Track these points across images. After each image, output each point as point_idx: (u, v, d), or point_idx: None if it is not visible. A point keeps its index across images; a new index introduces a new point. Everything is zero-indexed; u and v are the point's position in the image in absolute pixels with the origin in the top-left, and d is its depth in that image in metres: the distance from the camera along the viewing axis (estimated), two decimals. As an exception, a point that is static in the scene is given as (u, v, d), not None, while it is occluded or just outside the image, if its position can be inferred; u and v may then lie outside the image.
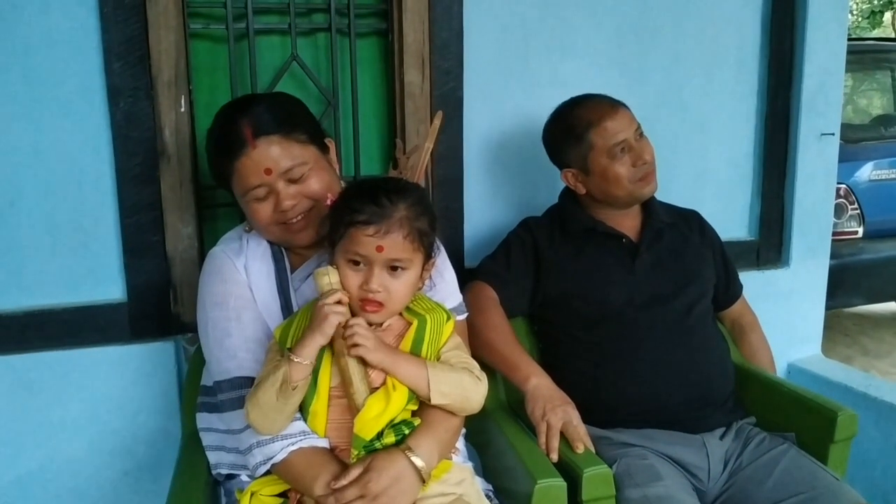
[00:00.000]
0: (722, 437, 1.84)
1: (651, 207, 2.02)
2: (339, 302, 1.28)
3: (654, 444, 1.78)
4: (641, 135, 1.93)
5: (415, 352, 1.35)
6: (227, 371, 1.44)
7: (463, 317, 1.67)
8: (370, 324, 1.32)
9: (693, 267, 1.99)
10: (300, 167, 1.45)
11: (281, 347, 1.33)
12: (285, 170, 1.43)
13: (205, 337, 1.50)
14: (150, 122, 1.89)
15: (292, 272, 1.53)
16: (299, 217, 1.47)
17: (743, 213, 2.64)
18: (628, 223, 1.99)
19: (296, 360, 1.25)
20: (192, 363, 1.85)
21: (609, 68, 2.33)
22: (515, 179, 2.30)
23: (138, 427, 2.00)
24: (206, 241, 2.01)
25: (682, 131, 2.46)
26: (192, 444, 1.70)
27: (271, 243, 1.55)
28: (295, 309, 1.48)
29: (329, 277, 1.29)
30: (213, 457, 1.61)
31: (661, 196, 2.04)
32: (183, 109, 1.91)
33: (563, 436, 1.68)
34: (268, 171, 1.42)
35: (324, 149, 1.54)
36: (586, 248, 1.95)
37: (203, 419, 1.64)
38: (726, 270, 2.12)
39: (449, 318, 1.40)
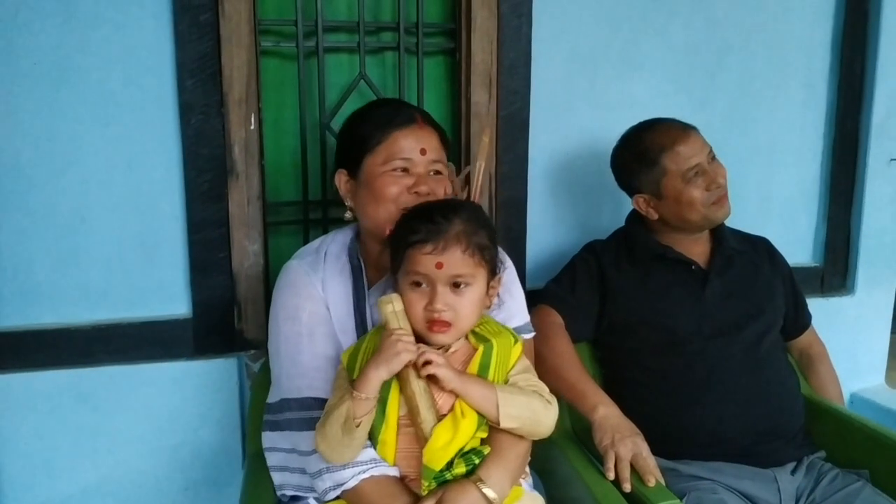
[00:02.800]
0: (793, 472, 1.81)
1: (721, 233, 1.99)
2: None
3: (724, 477, 1.75)
4: (714, 158, 1.91)
5: (481, 375, 1.33)
6: (297, 389, 1.45)
7: (530, 336, 1.66)
8: (437, 348, 1.32)
9: (763, 295, 1.96)
10: (442, 166, 1.52)
11: (348, 374, 1.33)
12: (433, 160, 1.49)
13: (275, 351, 1.51)
14: (220, 139, 1.91)
15: (369, 288, 1.54)
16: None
17: (808, 239, 2.61)
18: (698, 249, 1.97)
19: (359, 395, 1.24)
20: (257, 381, 1.86)
21: (676, 90, 2.32)
22: (579, 201, 2.29)
23: (199, 443, 2.02)
24: (271, 259, 2.03)
25: (748, 154, 2.43)
26: (257, 464, 1.69)
27: (350, 257, 1.56)
28: (370, 327, 1.49)
29: (393, 305, 1.29)
30: (277, 477, 1.60)
31: (725, 220, 2.00)
32: (252, 127, 1.93)
33: (632, 467, 1.66)
34: (423, 151, 1.47)
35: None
36: (654, 273, 1.93)
37: (267, 438, 1.63)
38: (795, 299, 2.09)
39: (516, 342, 1.39)
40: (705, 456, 1.79)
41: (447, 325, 1.29)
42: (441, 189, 1.49)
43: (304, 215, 2.09)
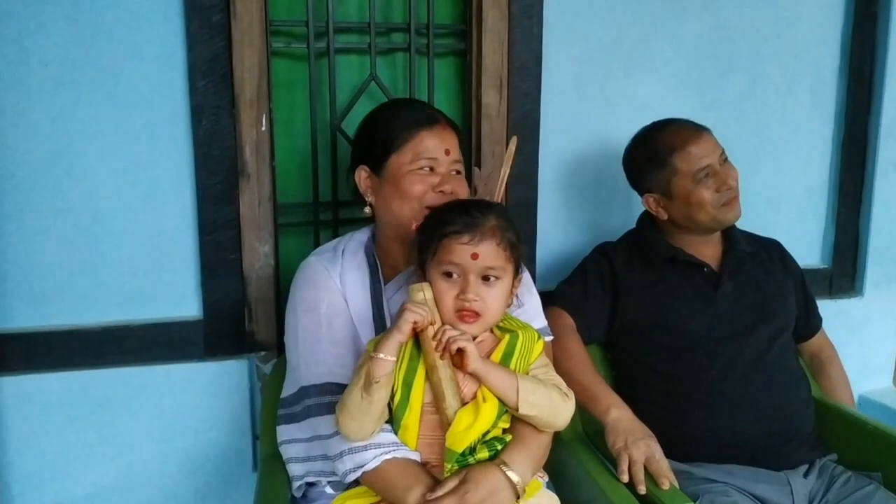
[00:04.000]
0: (806, 474, 1.81)
1: (732, 235, 2.00)
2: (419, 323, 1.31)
3: (737, 480, 1.75)
4: (726, 160, 1.92)
5: (504, 364, 1.37)
6: (317, 376, 1.48)
7: (549, 339, 1.67)
8: None
9: (775, 298, 1.97)
10: (461, 167, 1.57)
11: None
12: (454, 160, 1.54)
13: (293, 342, 1.54)
14: (232, 140, 1.91)
15: (385, 284, 1.57)
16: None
17: (816, 241, 2.61)
18: (709, 251, 1.98)
19: (377, 355, 1.28)
20: (268, 384, 1.86)
21: (686, 91, 2.32)
22: (590, 203, 2.30)
23: (210, 445, 2.02)
24: (281, 260, 2.03)
25: (757, 156, 2.44)
26: (271, 467, 1.69)
27: (367, 254, 1.59)
28: (388, 319, 1.52)
29: (424, 293, 1.32)
30: (296, 468, 1.59)
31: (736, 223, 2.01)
32: (264, 128, 1.93)
33: (645, 470, 1.66)
34: (447, 152, 1.52)
35: None
36: (666, 275, 1.94)
37: (284, 432, 1.63)
38: (806, 302, 2.10)
39: (539, 338, 1.43)
40: (718, 459, 1.79)
41: (477, 315, 1.32)
42: (462, 189, 1.54)
43: (314, 217, 2.10)
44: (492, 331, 1.41)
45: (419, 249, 1.39)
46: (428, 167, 1.52)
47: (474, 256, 1.31)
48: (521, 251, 1.40)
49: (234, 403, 2.01)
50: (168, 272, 1.96)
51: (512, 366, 1.37)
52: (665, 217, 1.96)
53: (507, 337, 1.38)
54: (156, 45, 1.86)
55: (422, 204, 1.49)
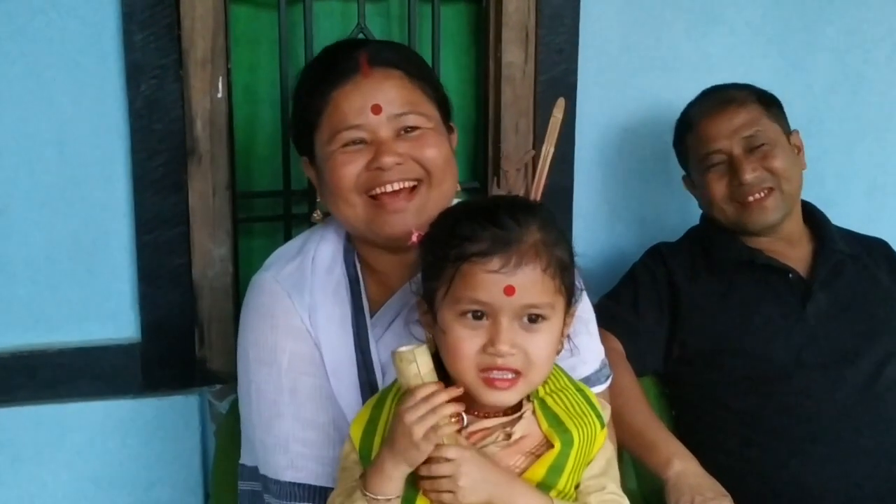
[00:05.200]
0: (922, 540, 1.78)
1: (825, 233, 1.99)
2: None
3: (838, 548, 1.73)
4: (758, 145, 1.90)
5: (549, 481, 1.18)
6: (275, 470, 1.38)
7: (605, 386, 1.55)
8: (493, 414, 1.18)
9: (883, 313, 1.94)
10: (417, 117, 1.36)
11: (361, 459, 1.21)
12: (398, 113, 1.35)
13: (246, 405, 1.43)
14: (179, 110, 1.87)
15: (372, 314, 1.43)
16: (399, 187, 1.35)
17: (928, 240, 2.57)
18: (796, 253, 1.97)
19: (375, 499, 1.12)
20: (223, 427, 1.81)
21: (766, 47, 2.30)
22: (640, 192, 2.28)
23: (150, 504, 1.98)
24: (241, 266, 2.00)
25: (855, 130, 2.42)
26: None
27: (346, 269, 1.46)
28: (377, 370, 1.40)
29: (417, 364, 1.12)
30: None
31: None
32: (220, 95, 1.89)
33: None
34: (376, 109, 1.33)
35: (448, 128, 1.46)
36: (739, 285, 1.92)
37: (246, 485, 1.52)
38: (923, 319, 2.06)
39: (602, 426, 1.25)
40: (812, 521, 1.76)
41: (516, 375, 1.14)
42: (429, 150, 1.36)
43: (285, 209, 2.06)
44: (536, 417, 1.20)
45: (425, 275, 1.21)
46: (355, 140, 1.35)
47: (509, 291, 1.10)
48: (575, 275, 1.22)
49: (181, 451, 1.98)
50: (96, 281, 1.92)
51: (561, 484, 1.18)
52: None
53: (558, 445, 1.18)
54: (79, -15, 1.81)
55: (360, 192, 1.35)
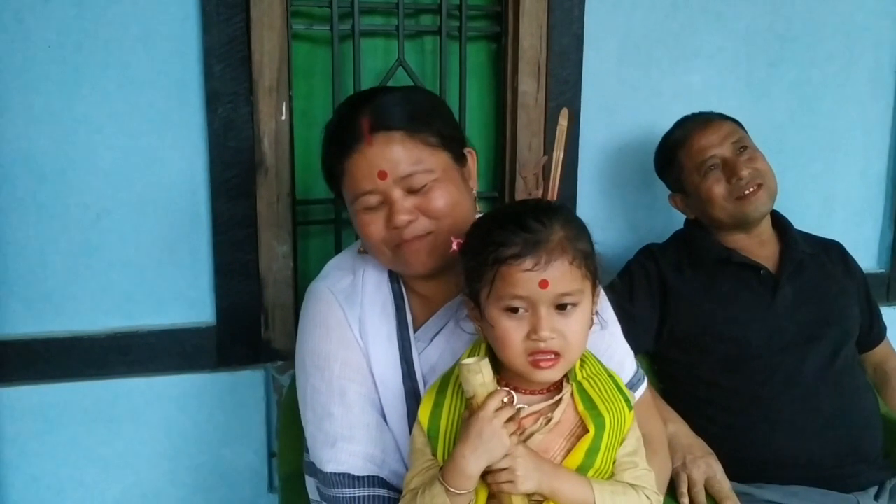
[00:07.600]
0: (877, 496, 1.82)
1: (789, 235, 2.02)
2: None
3: (803, 503, 1.75)
4: (744, 148, 1.95)
5: (588, 462, 1.20)
6: (320, 461, 1.37)
7: (641, 391, 1.51)
8: (538, 390, 1.22)
9: (837, 304, 1.98)
10: (423, 175, 1.30)
11: (431, 442, 1.23)
12: (404, 175, 1.29)
13: (302, 396, 1.42)
14: (249, 130, 1.93)
15: (415, 329, 1.42)
16: (413, 238, 1.32)
17: (873, 242, 2.63)
18: (765, 252, 1.99)
19: (455, 492, 1.13)
20: (286, 399, 1.84)
21: (735, 80, 2.35)
22: (633, 200, 2.32)
23: (222, 462, 2.03)
24: (300, 262, 2.04)
25: (810, 150, 2.47)
26: (291, 487, 1.65)
27: (392, 285, 1.44)
28: (420, 381, 1.38)
29: (483, 375, 1.14)
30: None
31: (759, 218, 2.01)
32: (284, 117, 1.95)
33: (706, 491, 1.67)
34: (382, 175, 1.28)
35: (460, 159, 1.39)
36: (719, 279, 1.94)
37: (313, 489, 1.47)
38: (870, 309, 2.11)
39: (630, 409, 1.27)
40: (781, 479, 1.80)
41: (557, 356, 1.16)
42: (436, 202, 1.31)
43: (336, 215, 2.10)
44: (573, 400, 1.22)
45: (467, 278, 1.22)
46: (371, 204, 1.32)
47: (543, 284, 1.13)
48: (597, 260, 1.24)
49: (248, 418, 2.03)
50: (179, 274, 1.97)
51: (597, 464, 1.21)
52: (693, 216, 2.03)
53: (592, 429, 1.20)
54: (168, 26, 1.87)
55: (390, 245, 1.33)
